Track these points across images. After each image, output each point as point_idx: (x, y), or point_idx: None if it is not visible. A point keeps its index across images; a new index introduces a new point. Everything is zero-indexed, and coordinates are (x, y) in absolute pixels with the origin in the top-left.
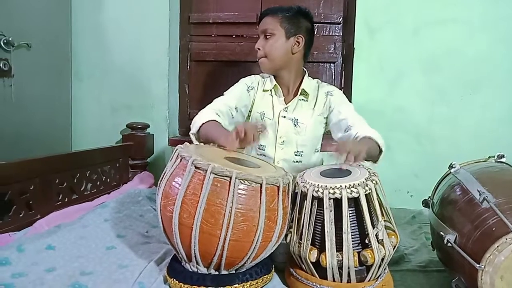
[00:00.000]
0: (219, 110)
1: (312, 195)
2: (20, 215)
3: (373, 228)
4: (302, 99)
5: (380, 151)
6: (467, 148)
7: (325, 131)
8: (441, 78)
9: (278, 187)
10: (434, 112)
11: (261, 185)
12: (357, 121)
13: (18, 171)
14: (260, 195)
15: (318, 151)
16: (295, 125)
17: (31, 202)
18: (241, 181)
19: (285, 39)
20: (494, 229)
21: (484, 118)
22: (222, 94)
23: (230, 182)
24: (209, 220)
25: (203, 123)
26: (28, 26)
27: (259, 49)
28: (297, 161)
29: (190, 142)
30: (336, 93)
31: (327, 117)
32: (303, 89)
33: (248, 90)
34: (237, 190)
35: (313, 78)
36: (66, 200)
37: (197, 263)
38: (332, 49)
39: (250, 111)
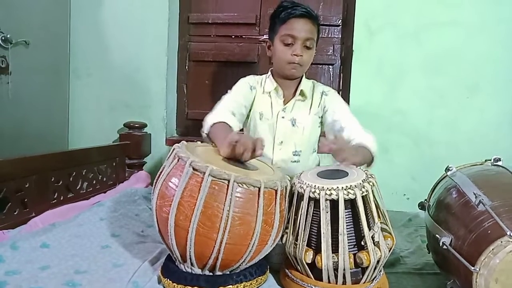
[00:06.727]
0: (233, 108)
1: (309, 196)
2: (15, 213)
3: (369, 230)
4: (300, 99)
5: (373, 158)
6: (465, 151)
7: (322, 131)
8: (441, 80)
9: (276, 190)
10: (433, 114)
11: (259, 188)
12: (350, 123)
13: (13, 168)
14: (258, 199)
15: (315, 151)
16: (293, 125)
17: (26, 200)
18: (239, 184)
19: (315, 49)
20: (489, 231)
21: (482, 121)
22: (226, 92)
23: (228, 185)
24: (206, 223)
25: (214, 123)
26: (26, 24)
27: (301, 56)
28: (295, 161)
29: (187, 141)
30: (331, 93)
31: (322, 117)
32: (302, 90)
33: (251, 89)
34: (235, 194)
35: (309, 79)
36: (61, 198)
37: (191, 264)
38: (330, 51)
39: (249, 111)
